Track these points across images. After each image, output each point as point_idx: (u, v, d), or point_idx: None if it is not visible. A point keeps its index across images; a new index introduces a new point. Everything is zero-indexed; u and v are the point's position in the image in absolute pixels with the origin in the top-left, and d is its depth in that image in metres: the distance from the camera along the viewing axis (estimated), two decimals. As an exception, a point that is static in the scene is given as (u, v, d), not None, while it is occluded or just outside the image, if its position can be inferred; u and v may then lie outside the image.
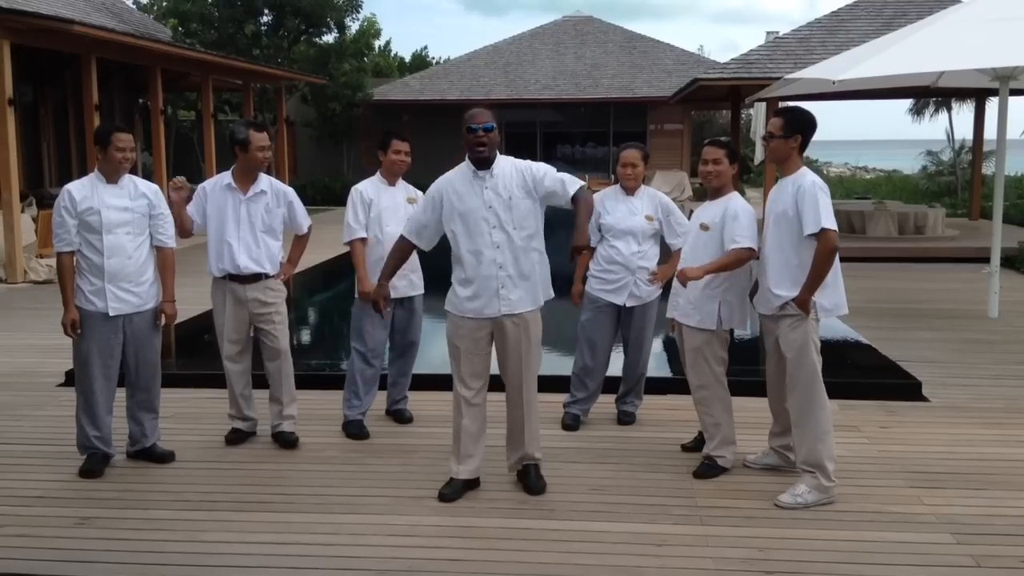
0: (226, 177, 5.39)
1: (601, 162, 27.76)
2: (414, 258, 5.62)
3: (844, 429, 5.65)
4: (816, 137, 4.80)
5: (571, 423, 5.77)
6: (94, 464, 5.04)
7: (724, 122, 30.61)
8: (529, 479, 4.80)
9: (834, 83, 8.68)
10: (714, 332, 4.93)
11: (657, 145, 26.38)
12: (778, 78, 12.99)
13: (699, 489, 4.79)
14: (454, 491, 4.69)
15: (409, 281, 5.73)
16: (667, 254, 5.74)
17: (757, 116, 22.01)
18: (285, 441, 5.47)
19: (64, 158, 18.44)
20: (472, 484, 4.77)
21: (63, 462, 5.16)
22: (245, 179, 5.37)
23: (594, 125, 28.14)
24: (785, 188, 4.65)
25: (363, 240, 5.62)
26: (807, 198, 4.50)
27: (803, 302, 4.56)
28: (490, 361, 4.77)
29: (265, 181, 5.43)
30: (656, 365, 6.23)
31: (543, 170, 4.66)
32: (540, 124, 28.23)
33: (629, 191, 5.70)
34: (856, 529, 4.31)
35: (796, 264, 4.57)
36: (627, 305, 5.68)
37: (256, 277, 5.39)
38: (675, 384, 6.10)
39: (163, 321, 5.20)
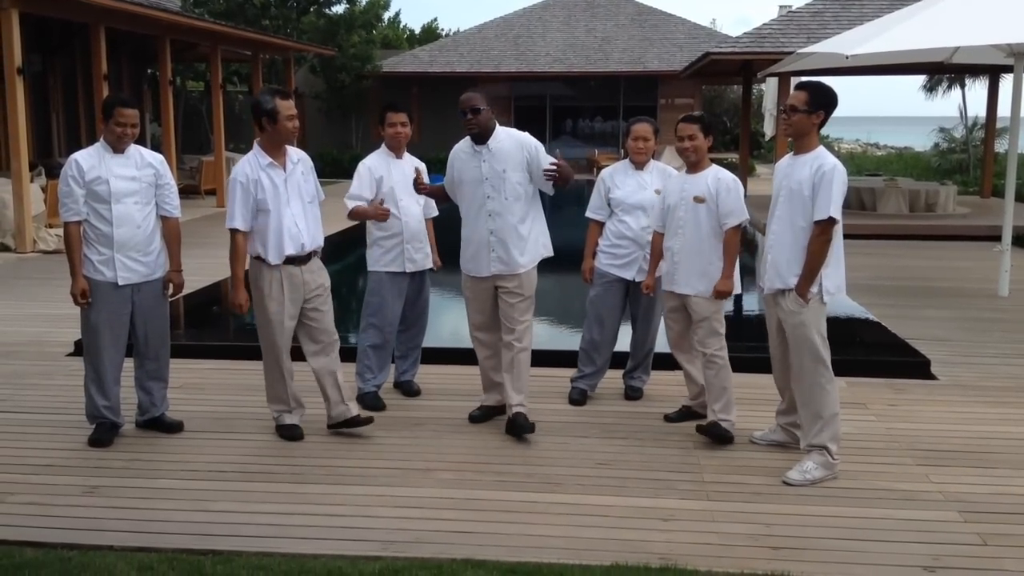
0: (258, 158, 4.93)
1: (610, 136, 27.63)
2: (430, 232, 5.85)
3: (852, 407, 5.64)
4: (828, 112, 4.77)
5: (578, 398, 5.77)
6: (103, 433, 5.07)
7: (735, 97, 30.32)
8: (516, 425, 5.12)
9: (847, 58, 8.61)
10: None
11: (667, 120, 26.13)
12: (791, 53, 12.88)
13: (706, 464, 4.80)
14: (483, 414, 5.40)
15: (425, 254, 5.79)
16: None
17: (768, 91, 21.82)
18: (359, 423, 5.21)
19: (73, 128, 18.39)
20: (499, 409, 5.33)
21: (72, 431, 5.19)
22: (278, 153, 4.96)
23: (604, 99, 27.93)
24: (803, 165, 4.57)
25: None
26: (825, 182, 4.45)
27: (802, 293, 4.53)
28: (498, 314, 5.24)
29: (290, 150, 5.06)
30: (664, 341, 6.21)
31: (541, 153, 5.14)
32: (550, 97, 28.07)
33: (638, 165, 5.66)
34: (863, 506, 4.31)
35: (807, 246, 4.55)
36: (636, 280, 5.66)
37: (312, 255, 5.09)
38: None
39: (171, 291, 5.20)
